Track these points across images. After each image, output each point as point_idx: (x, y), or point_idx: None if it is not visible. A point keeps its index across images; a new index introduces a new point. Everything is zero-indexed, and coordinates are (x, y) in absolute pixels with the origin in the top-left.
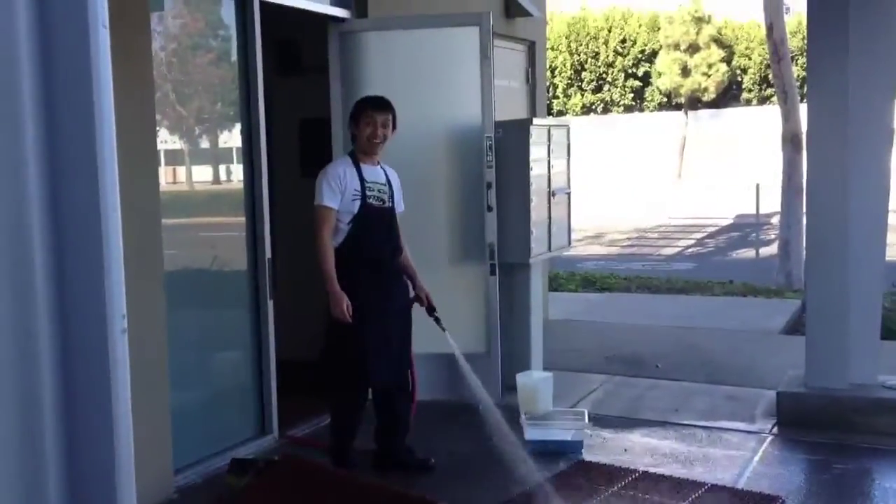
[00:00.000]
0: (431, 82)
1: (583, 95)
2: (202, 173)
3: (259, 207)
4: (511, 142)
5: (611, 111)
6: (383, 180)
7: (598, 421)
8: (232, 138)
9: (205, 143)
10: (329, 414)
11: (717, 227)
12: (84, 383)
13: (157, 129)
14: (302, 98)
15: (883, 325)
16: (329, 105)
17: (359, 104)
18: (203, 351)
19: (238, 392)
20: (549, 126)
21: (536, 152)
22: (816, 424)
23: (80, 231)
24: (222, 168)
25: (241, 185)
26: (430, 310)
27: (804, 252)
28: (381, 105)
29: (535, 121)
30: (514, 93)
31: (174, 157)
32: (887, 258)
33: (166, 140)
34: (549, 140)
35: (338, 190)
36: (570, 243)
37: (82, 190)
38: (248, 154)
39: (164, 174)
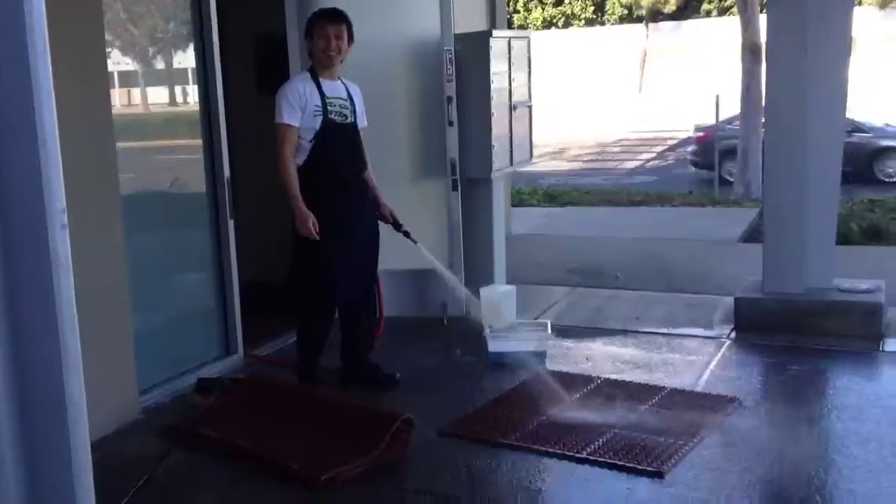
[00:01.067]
0: None
1: (543, 9)
2: (157, 95)
3: (216, 127)
4: (471, 55)
5: (571, 25)
6: (344, 95)
7: (561, 332)
8: (186, 58)
9: (158, 64)
10: (295, 332)
11: (677, 140)
12: (27, 277)
13: (109, 50)
14: (257, 14)
15: (838, 231)
16: (284, 21)
17: (312, 17)
18: (165, 273)
19: (202, 313)
20: (510, 38)
21: (497, 65)
22: (773, 328)
23: (15, 129)
24: (177, 89)
25: (196, 106)
26: (397, 225)
27: (763, 161)
28: (334, 16)
29: (495, 33)
30: (474, 4)
31: (127, 79)
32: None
33: (118, 62)
34: (509, 53)
35: (298, 107)
36: (531, 157)
37: (15, 85)
38: (203, 73)
39: (118, 97)
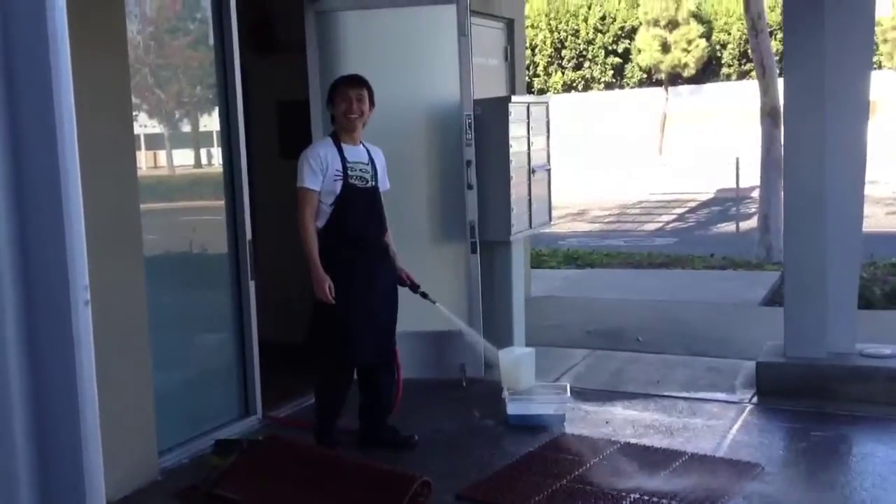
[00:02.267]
0: (410, 61)
1: (563, 73)
2: (181, 157)
3: (238, 189)
4: (490, 119)
5: (591, 88)
6: (366, 160)
7: (580, 395)
8: (210, 121)
9: (183, 127)
10: (313, 394)
11: (697, 202)
12: (48, 354)
13: (135, 113)
14: (280, 80)
15: (861, 295)
16: (307, 86)
17: (334, 83)
18: (186, 333)
19: (221, 373)
20: (529, 103)
21: (516, 130)
22: (795, 393)
23: (41, 202)
24: (201, 151)
25: (220, 168)
26: (414, 287)
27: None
28: (355, 81)
29: (514, 98)
30: (493, 71)
31: (152, 142)
32: (865, 229)
33: (144, 124)
34: (528, 117)
35: (319, 171)
36: (550, 220)
37: (42, 161)
38: (227, 136)
39: (143, 158)
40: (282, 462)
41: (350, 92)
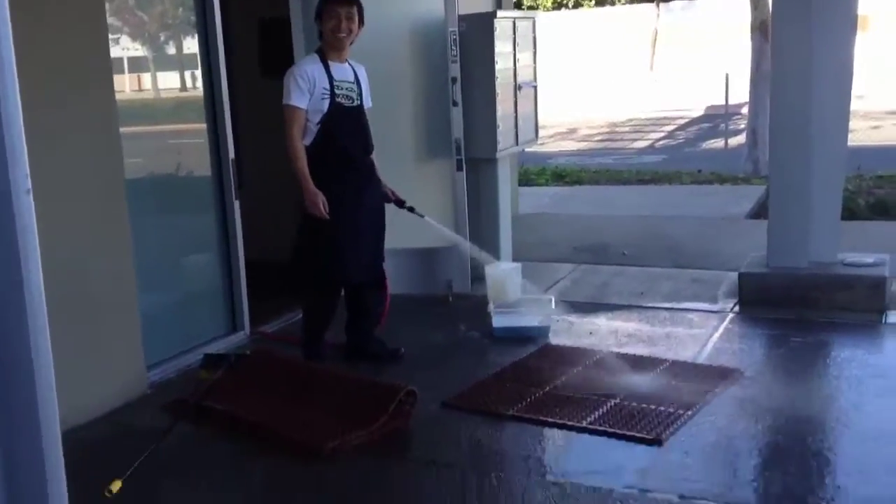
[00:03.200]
0: None
1: None
2: (162, 79)
3: (220, 109)
4: (475, 35)
5: (582, 5)
6: (352, 78)
7: (565, 307)
8: (190, 42)
9: (162, 49)
10: (301, 310)
11: (687, 119)
12: None
13: (114, 35)
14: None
15: (845, 206)
16: (288, 5)
17: (321, 1)
18: (172, 254)
19: (209, 291)
20: (515, 19)
21: (501, 46)
22: (777, 302)
23: None
24: (181, 73)
25: (200, 89)
26: (400, 203)
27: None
28: None
29: (500, 13)
30: None
31: (132, 65)
32: (852, 143)
33: (122, 48)
34: (514, 33)
35: (307, 89)
36: (537, 137)
37: None
38: (206, 56)
39: (124, 82)
40: (269, 375)
41: (339, 9)
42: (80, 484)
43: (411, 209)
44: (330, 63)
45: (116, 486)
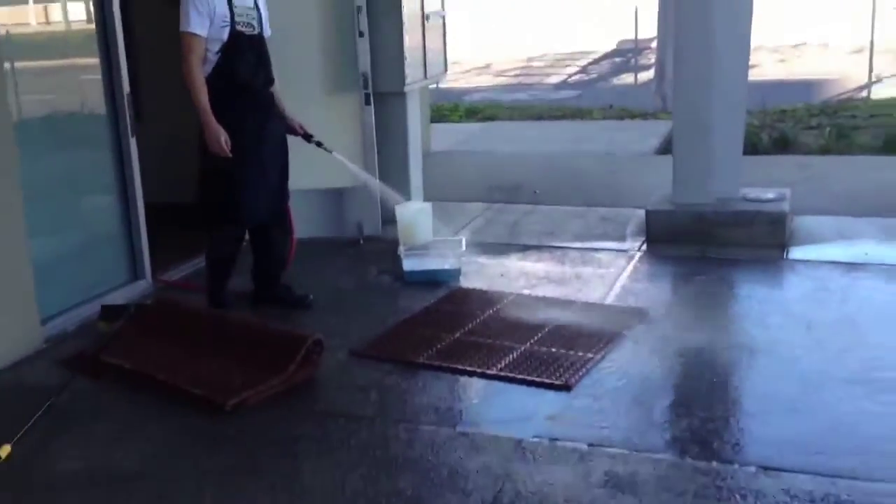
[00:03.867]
0: None
1: None
2: (52, 9)
3: (112, 40)
4: None
5: None
6: (251, 4)
7: (477, 248)
8: None
9: None
10: (204, 255)
11: (600, 54)
12: None
13: None
14: None
15: (749, 141)
16: None
17: None
18: (66, 197)
19: (106, 237)
20: None
21: None
22: (683, 240)
23: None
24: (72, 4)
25: (92, 18)
26: (308, 137)
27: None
28: None
29: None
30: None
31: None
32: (758, 78)
33: None
34: None
35: (206, 15)
36: (446, 70)
37: None
38: None
39: (5, 15)
40: (171, 325)
41: None
42: None
43: (319, 144)
44: None
45: (5, 451)
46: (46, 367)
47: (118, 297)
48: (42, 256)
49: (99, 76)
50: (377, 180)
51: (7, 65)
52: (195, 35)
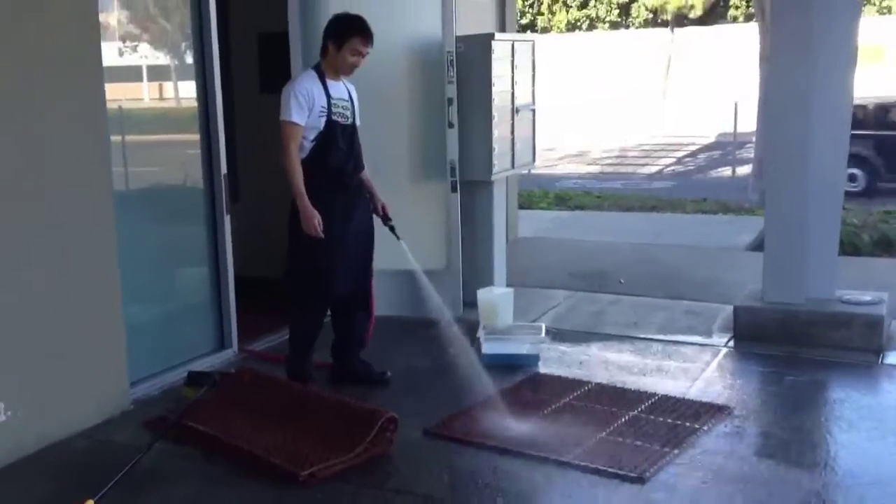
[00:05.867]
0: None
1: (568, 11)
2: (156, 90)
3: (213, 123)
4: (473, 57)
5: (596, 28)
6: (346, 96)
7: (557, 335)
8: (186, 54)
9: (157, 59)
10: (289, 328)
11: (698, 146)
12: None
13: (115, 44)
14: (260, 13)
15: (849, 241)
16: (287, 20)
17: (345, 28)
18: (161, 268)
19: (196, 307)
20: (513, 41)
21: (499, 68)
22: (772, 338)
23: None
24: (178, 84)
25: (195, 101)
26: (385, 219)
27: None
28: (370, 36)
29: (498, 35)
30: (483, 8)
31: (124, 74)
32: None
33: (116, 56)
34: (513, 56)
35: (306, 106)
36: (534, 160)
37: None
38: (202, 68)
39: (114, 91)
40: (252, 395)
41: (364, 48)
42: (57, 501)
43: (392, 228)
44: (327, 81)
45: None
46: (133, 428)
47: (204, 365)
48: (134, 323)
49: (199, 154)
50: (430, 286)
51: (117, 137)
52: (295, 124)
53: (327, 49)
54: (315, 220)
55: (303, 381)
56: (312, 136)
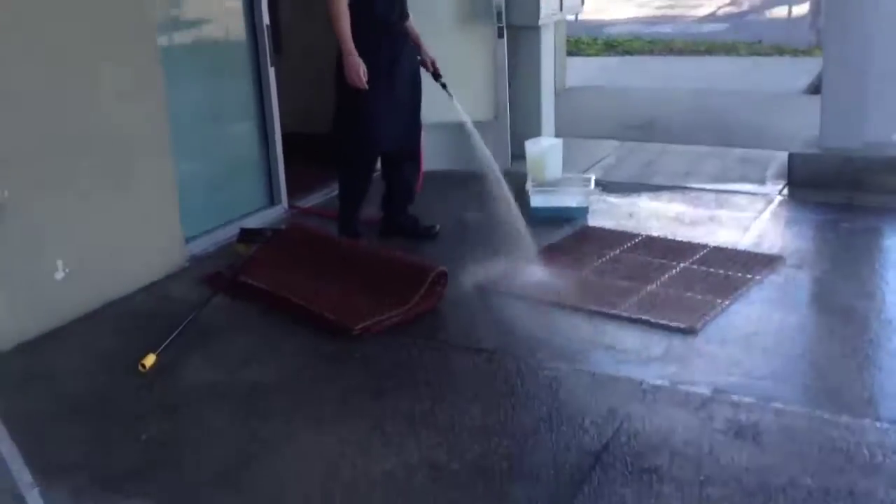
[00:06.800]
0: None
1: None
2: None
3: None
4: None
5: None
6: None
7: (607, 187)
8: None
9: None
10: (338, 183)
11: None
12: None
13: None
14: None
15: None
16: None
17: None
18: (209, 125)
19: (246, 164)
20: None
21: None
22: (828, 185)
23: None
24: None
25: None
26: (436, 76)
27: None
28: None
29: None
30: None
31: None
32: None
33: None
34: None
35: None
36: (583, 3)
37: None
38: None
39: None
40: (304, 251)
41: None
42: (121, 355)
43: (444, 86)
44: None
45: (150, 360)
46: (189, 284)
47: (255, 221)
48: (185, 180)
49: (240, 5)
50: (483, 145)
51: None
52: None
53: None
54: (360, 69)
55: (353, 237)
56: None
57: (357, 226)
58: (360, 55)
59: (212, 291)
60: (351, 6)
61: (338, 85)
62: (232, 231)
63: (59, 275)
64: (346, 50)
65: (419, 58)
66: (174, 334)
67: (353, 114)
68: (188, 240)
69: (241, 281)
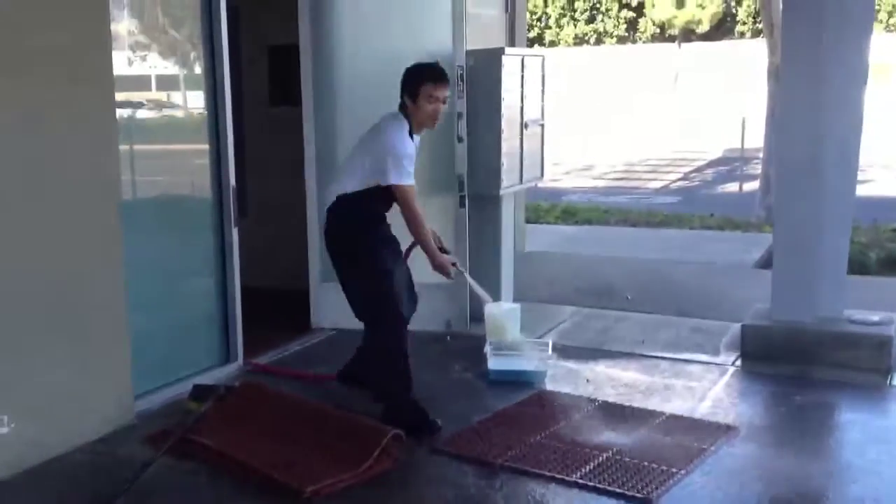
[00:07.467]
0: (402, 8)
1: (576, 26)
2: (165, 99)
3: (223, 134)
4: (483, 71)
5: (604, 42)
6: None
7: (564, 352)
8: (196, 64)
9: (166, 69)
10: (380, 367)
11: (704, 162)
12: None
13: (119, 52)
14: (271, 25)
15: (856, 260)
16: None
17: (414, 77)
18: (167, 279)
19: (203, 319)
20: (523, 56)
21: (509, 82)
22: (780, 357)
23: None
24: (187, 94)
25: (204, 112)
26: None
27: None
28: (444, 80)
29: (508, 50)
30: (493, 21)
31: (134, 83)
32: (872, 194)
33: (125, 65)
34: (522, 70)
35: (412, 167)
36: (542, 175)
37: None
38: (212, 80)
39: (123, 100)
40: (257, 409)
41: (440, 93)
42: None
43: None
44: (414, 137)
45: None
46: (136, 442)
47: (209, 378)
48: (139, 334)
49: (208, 165)
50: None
51: (126, 146)
52: (412, 186)
53: (406, 106)
54: (449, 264)
55: (427, 422)
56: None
57: (421, 407)
58: (386, 240)
59: (156, 451)
60: (373, 191)
61: (359, 277)
62: (185, 387)
63: (3, 430)
64: (431, 253)
65: None
66: (116, 497)
67: (379, 287)
68: (139, 396)
69: (191, 439)
